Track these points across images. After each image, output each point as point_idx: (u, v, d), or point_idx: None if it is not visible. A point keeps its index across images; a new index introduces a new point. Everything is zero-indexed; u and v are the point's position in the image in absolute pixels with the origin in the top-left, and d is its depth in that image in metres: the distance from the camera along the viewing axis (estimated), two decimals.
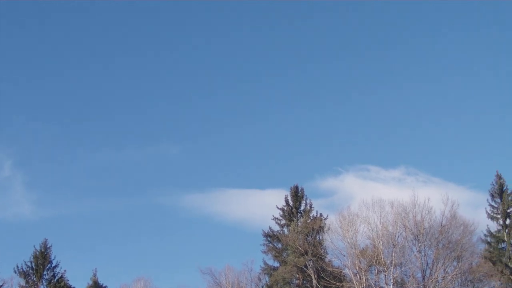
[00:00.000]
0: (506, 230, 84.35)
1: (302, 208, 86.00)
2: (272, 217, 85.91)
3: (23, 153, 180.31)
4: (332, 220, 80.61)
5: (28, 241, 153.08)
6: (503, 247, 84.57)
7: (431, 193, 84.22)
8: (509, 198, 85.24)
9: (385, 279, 74.02)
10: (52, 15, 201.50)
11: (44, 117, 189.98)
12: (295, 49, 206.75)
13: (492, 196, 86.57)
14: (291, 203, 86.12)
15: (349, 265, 75.93)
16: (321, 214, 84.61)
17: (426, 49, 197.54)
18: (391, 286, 72.97)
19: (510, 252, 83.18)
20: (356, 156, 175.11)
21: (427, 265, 74.40)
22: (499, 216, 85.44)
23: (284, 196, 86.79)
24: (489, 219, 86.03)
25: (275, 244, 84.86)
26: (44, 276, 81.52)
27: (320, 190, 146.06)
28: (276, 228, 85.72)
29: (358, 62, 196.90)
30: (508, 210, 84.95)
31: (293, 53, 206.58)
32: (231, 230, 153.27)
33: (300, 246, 78.83)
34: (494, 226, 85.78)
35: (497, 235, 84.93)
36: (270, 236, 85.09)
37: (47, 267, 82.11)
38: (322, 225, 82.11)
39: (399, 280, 75.00)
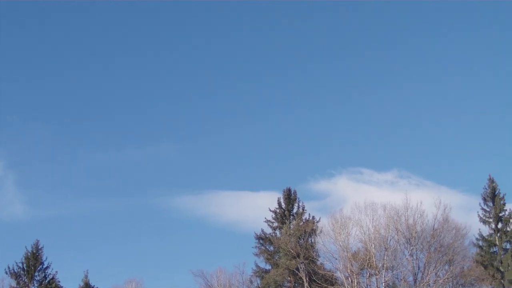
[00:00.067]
0: (498, 234, 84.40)
1: (294, 210, 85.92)
2: (265, 220, 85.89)
3: (17, 153, 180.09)
4: (324, 223, 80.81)
5: (20, 241, 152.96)
6: (494, 251, 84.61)
7: (424, 197, 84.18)
8: (502, 202, 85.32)
9: (377, 283, 74.00)
10: (52, 15, 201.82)
11: (39, 117, 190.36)
12: (295, 49, 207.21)
13: (485, 200, 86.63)
14: (283, 205, 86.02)
15: (341, 268, 76.03)
16: (313, 217, 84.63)
17: (426, 49, 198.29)
18: None
19: (502, 256, 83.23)
20: (349, 159, 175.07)
21: (418, 268, 74.43)
22: (491, 220, 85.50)
23: (277, 199, 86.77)
24: (481, 223, 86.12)
25: (267, 247, 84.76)
26: (36, 277, 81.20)
27: (312, 192, 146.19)
28: (269, 230, 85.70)
29: (358, 62, 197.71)
30: (500, 214, 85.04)
31: (293, 53, 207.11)
32: (223, 232, 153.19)
33: (292, 249, 78.82)
34: (486, 230, 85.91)
35: (489, 239, 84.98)
36: (262, 239, 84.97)
37: (39, 268, 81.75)
38: (314, 228, 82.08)
39: (390, 284, 75.07)
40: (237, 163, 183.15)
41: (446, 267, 74.90)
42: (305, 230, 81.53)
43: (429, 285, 72.97)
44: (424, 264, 74.21)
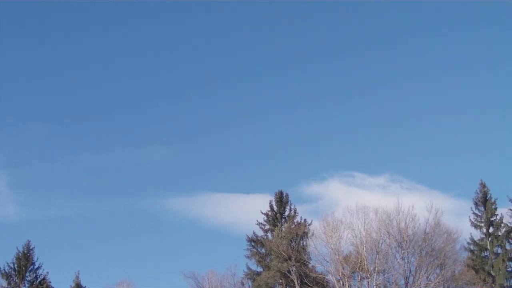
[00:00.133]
0: (489, 239, 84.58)
1: (286, 213, 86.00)
2: (256, 222, 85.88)
3: (10, 153, 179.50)
4: (316, 226, 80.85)
5: (11, 242, 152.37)
6: (486, 256, 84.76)
7: (415, 201, 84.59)
8: (493, 206, 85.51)
9: (368, 286, 74.06)
10: (52, 15, 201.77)
11: (31, 117, 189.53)
12: (294, 49, 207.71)
13: (476, 204, 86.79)
14: (275, 208, 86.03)
15: (332, 271, 76.05)
16: (305, 220, 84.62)
17: (426, 49, 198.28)
18: None
19: (493, 260, 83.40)
20: (342, 162, 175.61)
21: (410, 272, 74.46)
22: (482, 224, 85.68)
23: (269, 201, 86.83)
24: (473, 227, 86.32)
25: (259, 249, 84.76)
26: (27, 278, 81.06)
27: (304, 195, 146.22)
28: (260, 233, 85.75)
29: (357, 62, 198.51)
30: (492, 219, 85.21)
31: (292, 53, 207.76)
32: (215, 234, 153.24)
33: (284, 252, 78.81)
34: (477, 234, 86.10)
35: (480, 243, 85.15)
36: (254, 241, 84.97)
37: (30, 268, 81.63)
38: (306, 230, 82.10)
39: (382, 287, 75.07)
40: (230, 165, 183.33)
41: (438, 271, 74.98)
42: (296, 233, 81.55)
43: None
44: (416, 268, 74.27)
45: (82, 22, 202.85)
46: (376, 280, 73.48)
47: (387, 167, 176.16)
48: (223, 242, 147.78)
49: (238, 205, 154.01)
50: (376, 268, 73.62)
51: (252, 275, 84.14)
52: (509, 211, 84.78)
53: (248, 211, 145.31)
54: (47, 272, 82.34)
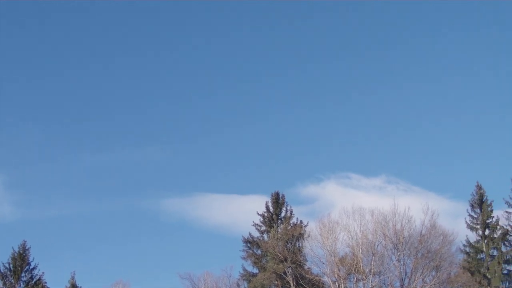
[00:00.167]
0: (485, 241, 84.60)
1: (282, 214, 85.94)
2: (252, 223, 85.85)
3: (8, 154, 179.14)
4: (312, 228, 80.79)
5: (7, 242, 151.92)
6: (481, 258, 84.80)
7: (411, 202, 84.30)
8: (489, 209, 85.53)
9: None
10: (51, 15, 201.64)
11: (27, 118, 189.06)
12: (294, 50, 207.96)
13: (472, 206, 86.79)
14: (271, 209, 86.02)
15: (328, 272, 76.04)
16: (301, 221, 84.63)
17: (424, 50, 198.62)
18: None
19: (489, 262, 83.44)
20: (338, 163, 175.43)
21: (405, 274, 74.47)
22: (478, 226, 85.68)
23: (265, 202, 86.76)
24: (469, 230, 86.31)
25: (255, 250, 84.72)
26: (22, 278, 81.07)
27: (301, 197, 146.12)
28: (256, 234, 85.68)
29: (356, 63, 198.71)
30: (488, 221, 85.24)
31: (290, 53, 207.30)
32: (211, 235, 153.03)
33: (280, 253, 78.79)
34: (473, 237, 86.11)
35: (476, 245, 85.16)
36: (250, 242, 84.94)
37: (25, 269, 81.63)
38: (302, 232, 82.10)
39: None
40: (227, 166, 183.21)
41: (433, 273, 74.98)
42: (292, 234, 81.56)
43: None
44: (411, 270, 74.28)
45: (82, 22, 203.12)
46: (371, 282, 73.51)
47: (383, 168, 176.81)
48: (219, 243, 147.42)
49: (234, 206, 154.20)
50: (372, 270, 73.64)
51: (248, 277, 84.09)
52: (505, 213, 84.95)
53: (244, 212, 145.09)
54: (43, 273, 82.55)
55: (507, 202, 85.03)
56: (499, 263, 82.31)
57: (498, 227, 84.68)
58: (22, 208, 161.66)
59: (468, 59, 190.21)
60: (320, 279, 77.59)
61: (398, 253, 74.76)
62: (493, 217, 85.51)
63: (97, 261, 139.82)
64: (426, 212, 76.79)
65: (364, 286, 74.08)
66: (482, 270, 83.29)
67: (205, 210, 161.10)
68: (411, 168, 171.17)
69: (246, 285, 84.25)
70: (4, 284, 79.61)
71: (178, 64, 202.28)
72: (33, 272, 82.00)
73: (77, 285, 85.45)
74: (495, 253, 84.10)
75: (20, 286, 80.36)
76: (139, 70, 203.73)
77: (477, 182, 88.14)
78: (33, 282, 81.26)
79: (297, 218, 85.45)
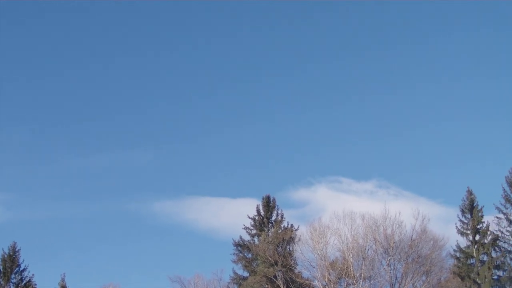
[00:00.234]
0: (476, 246, 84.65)
1: (273, 218, 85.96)
2: (243, 227, 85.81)
3: None
4: (303, 231, 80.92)
5: None
6: (472, 263, 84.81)
7: (402, 207, 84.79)
8: (479, 214, 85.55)
9: None
10: (47, 15, 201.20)
11: (18, 119, 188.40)
12: (293, 51, 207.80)
13: (463, 211, 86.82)
14: (262, 213, 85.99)
15: (318, 276, 76.10)
16: (292, 225, 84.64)
17: (420, 53, 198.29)
18: None
19: (479, 268, 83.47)
20: (328, 167, 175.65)
21: (396, 279, 74.58)
22: (469, 232, 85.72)
23: (256, 206, 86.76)
24: (459, 235, 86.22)
25: (245, 254, 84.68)
26: (12, 280, 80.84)
27: (291, 200, 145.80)
28: (247, 237, 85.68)
29: (346, 68, 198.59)
30: (478, 226, 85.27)
31: (288, 56, 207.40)
32: (201, 238, 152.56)
33: (270, 257, 78.84)
34: (463, 242, 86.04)
35: (466, 250, 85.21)
36: (241, 246, 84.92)
37: (15, 270, 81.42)
38: (292, 236, 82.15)
39: None
40: (217, 169, 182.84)
41: (424, 278, 75.13)
42: (283, 238, 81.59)
43: None
44: (402, 275, 74.38)
45: (80, 22, 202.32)
46: (362, 286, 73.56)
47: (374, 173, 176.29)
48: (209, 246, 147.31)
49: (225, 209, 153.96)
50: (362, 274, 73.71)
51: (239, 280, 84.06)
52: (496, 219, 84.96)
53: (235, 215, 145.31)
54: (33, 274, 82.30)
55: (497, 208, 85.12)
56: (489, 268, 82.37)
57: (489, 232, 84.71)
58: (12, 209, 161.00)
59: (463, 62, 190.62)
60: (310, 283, 77.66)
61: (389, 258, 74.88)
62: (484, 222, 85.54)
63: (87, 263, 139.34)
64: (417, 217, 77.00)
65: None
66: (472, 275, 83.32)
67: (196, 213, 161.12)
68: (402, 173, 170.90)
69: None
70: None
71: (173, 65, 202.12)
72: (23, 273, 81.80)
73: (67, 287, 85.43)
74: (485, 258, 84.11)
75: (9, 287, 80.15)
76: (134, 71, 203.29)
77: (468, 187, 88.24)
78: (23, 283, 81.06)
79: (288, 222, 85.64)
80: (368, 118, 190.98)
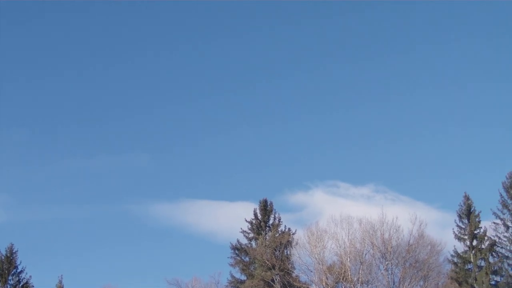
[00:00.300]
0: (473, 252, 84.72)
1: (270, 222, 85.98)
2: (240, 230, 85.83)
3: None
4: (300, 235, 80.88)
5: None
6: (469, 268, 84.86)
7: (399, 212, 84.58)
8: (477, 219, 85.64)
9: None
10: (49, 15, 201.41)
11: (14, 121, 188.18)
12: (292, 55, 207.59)
13: (460, 217, 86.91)
14: (259, 216, 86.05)
15: (316, 280, 76.07)
16: (289, 229, 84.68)
17: (418, 57, 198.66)
18: None
19: (476, 273, 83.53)
20: (326, 171, 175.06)
21: (393, 283, 74.55)
22: (466, 237, 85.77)
23: (253, 209, 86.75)
24: (456, 240, 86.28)
25: (243, 257, 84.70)
26: (9, 281, 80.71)
27: (289, 204, 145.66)
28: (244, 241, 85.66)
29: (347, 72, 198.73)
30: (475, 232, 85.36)
31: (278, 59, 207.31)
32: (199, 241, 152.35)
33: (268, 260, 78.81)
34: (461, 247, 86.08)
35: (464, 256, 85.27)
36: (238, 249, 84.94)
37: (13, 272, 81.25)
38: (290, 239, 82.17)
39: None
40: (215, 172, 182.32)
41: (421, 282, 75.12)
42: (281, 242, 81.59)
43: None
44: (399, 279, 74.36)
45: (80, 22, 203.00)
46: None
47: (371, 177, 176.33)
48: (207, 249, 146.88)
49: (222, 212, 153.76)
50: (360, 279, 73.71)
51: (236, 283, 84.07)
52: (493, 224, 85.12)
53: (233, 218, 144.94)
54: (30, 276, 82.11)
55: (494, 213, 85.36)
56: (486, 273, 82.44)
57: (486, 237, 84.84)
58: (10, 211, 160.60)
59: (461, 68, 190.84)
60: (308, 287, 77.64)
61: (386, 262, 74.90)
62: (481, 227, 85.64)
63: (85, 265, 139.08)
64: (414, 221, 77.06)
65: None
66: (470, 280, 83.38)
67: (193, 216, 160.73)
68: (400, 178, 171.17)
69: None
70: None
71: (173, 67, 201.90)
72: (20, 275, 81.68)
73: None
74: (482, 263, 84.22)
75: None
76: (133, 72, 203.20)
77: (465, 192, 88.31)
78: (20, 285, 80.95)
79: (285, 226, 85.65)
80: (366, 122, 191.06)
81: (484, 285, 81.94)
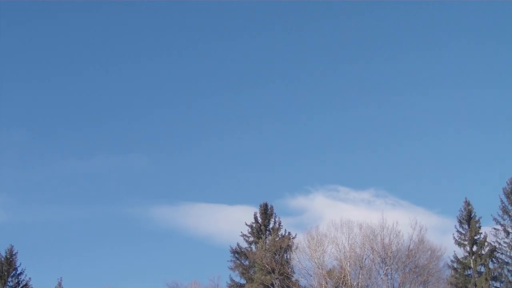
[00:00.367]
0: (473, 257, 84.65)
1: (271, 226, 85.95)
2: (241, 234, 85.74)
3: None
4: (300, 240, 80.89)
5: None
6: (469, 274, 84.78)
7: (400, 217, 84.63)
8: (477, 225, 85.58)
9: None
10: (49, 16, 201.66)
11: (13, 122, 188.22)
12: (292, 57, 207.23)
13: (460, 222, 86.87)
14: (260, 220, 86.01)
15: (315, 285, 76.00)
16: (289, 233, 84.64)
17: (417, 60, 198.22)
18: None
19: (476, 279, 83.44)
20: (326, 176, 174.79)
21: None
22: (466, 242, 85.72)
23: (253, 213, 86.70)
24: (456, 245, 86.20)
25: (243, 261, 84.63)
26: (9, 283, 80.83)
27: (289, 208, 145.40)
28: (244, 244, 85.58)
29: (347, 76, 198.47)
30: (476, 237, 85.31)
31: (281, 61, 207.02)
32: (199, 244, 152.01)
33: (268, 264, 78.78)
34: (461, 253, 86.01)
35: (464, 261, 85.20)
36: (238, 253, 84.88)
37: (12, 273, 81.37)
38: (290, 244, 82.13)
39: None
40: (216, 175, 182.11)
41: (421, 287, 75.13)
42: (280, 246, 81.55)
43: None
44: (399, 284, 74.35)
45: (80, 24, 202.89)
46: None
47: (372, 182, 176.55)
48: (207, 252, 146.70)
49: (222, 216, 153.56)
50: (360, 284, 73.66)
51: (235, 287, 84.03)
52: (493, 230, 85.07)
53: (233, 222, 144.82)
54: (30, 278, 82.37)
55: (495, 219, 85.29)
56: (486, 279, 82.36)
57: (486, 243, 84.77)
58: (9, 212, 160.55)
59: (462, 72, 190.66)
60: None
61: (386, 267, 74.86)
62: (481, 233, 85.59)
63: (84, 267, 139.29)
64: (414, 226, 77.09)
65: None
66: (469, 286, 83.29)
67: (193, 219, 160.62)
68: (400, 183, 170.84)
69: None
70: None
71: (172, 69, 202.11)
72: (20, 277, 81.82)
73: None
74: (482, 269, 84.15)
75: None
76: (133, 74, 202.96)
77: (466, 198, 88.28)
78: (19, 287, 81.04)
79: (285, 230, 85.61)
80: (367, 127, 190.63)
81: None
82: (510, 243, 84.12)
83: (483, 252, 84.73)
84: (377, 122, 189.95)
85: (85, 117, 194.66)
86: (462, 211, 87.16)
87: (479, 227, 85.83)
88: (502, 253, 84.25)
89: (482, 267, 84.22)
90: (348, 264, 74.35)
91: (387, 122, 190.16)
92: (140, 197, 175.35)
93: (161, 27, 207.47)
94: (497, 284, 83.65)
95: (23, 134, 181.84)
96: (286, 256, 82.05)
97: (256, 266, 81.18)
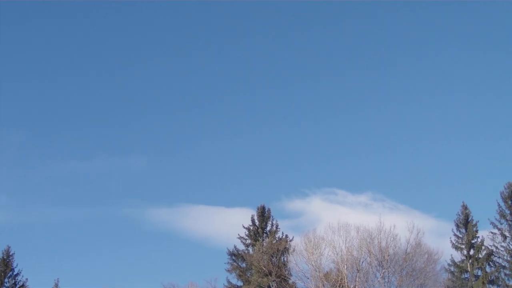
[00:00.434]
0: (470, 261, 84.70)
1: (268, 228, 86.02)
2: (238, 236, 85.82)
3: None
4: (297, 242, 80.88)
5: None
6: (466, 278, 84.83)
7: (397, 220, 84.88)
8: (474, 229, 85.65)
9: None
10: (49, 16, 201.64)
11: (10, 123, 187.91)
12: (292, 61, 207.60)
13: (457, 226, 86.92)
14: (257, 222, 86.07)
15: None
16: (286, 236, 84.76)
17: (415, 67, 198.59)
18: None
19: (473, 282, 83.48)
20: (324, 179, 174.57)
21: None
22: (463, 246, 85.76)
23: (251, 216, 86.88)
24: (453, 249, 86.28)
25: (240, 263, 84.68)
26: (5, 284, 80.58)
27: (286, 211, 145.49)
28: (241, 247, 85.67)
29: (343, 80, 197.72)
30: (473, 241, 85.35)
31: (276, 66, 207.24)
32: (196, 246, 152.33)
33: (265, 267, 78.80)
34: (458, 256, 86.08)
35: (461, 265, 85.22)
36: (235, 255, 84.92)
37: (9, 274, 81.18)
38: (287, 246, 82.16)
39: None
40: (212, 178, 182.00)
41: None
42: (278, 248, 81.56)
43: None
44: (396, 287, 74.38)
45: (80, 24, 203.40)
46: None
47: (369, 185, 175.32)
48: (204, 254, 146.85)
49: (220, 218, 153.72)
50: (357, 287, 73.67)
51: None
52: (490, 234, 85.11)
53: (230, 224, 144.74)
54: (26, 279, 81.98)
55: (492, 223, 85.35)
56: (483, 283, 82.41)
57: (483, 247, 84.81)
58: (7, 212, 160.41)
59: (460, 78, 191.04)
60: None
61: (383, 270, 74.85)
62: (478, 237, 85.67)
63: (82, 268, 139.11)
64: (412, 230, 77.10)
65: None
66: None
67: (190, 221, 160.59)
68: (397, 186, 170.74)
69: None
70: None
71: (171, 71, 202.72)
72: (16, 278, 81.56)
73: None
74: (479, 273, 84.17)
75: None
76: (132, 76, 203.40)
77: (463, 202, 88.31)
78: None
79: (282, 232, 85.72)
80: (365, 130, 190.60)
81: None
82: (507, 247, 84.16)
83: (480, 255, 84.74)
84: (375, 126, 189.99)
85: (84, 118, 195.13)
86: (459, 215, 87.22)
87: (476, 231, 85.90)
88: (499, 257, 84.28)
89: (479, 270, 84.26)
90: (345, 267, 74.36)
91: (384, 126, 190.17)
92: (139, 198, 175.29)
93: (161, 28, 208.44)
94: (494, 287, 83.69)
95: (22, 134, 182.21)
96: (283, 259, 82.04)
97: (253, 268, 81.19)
